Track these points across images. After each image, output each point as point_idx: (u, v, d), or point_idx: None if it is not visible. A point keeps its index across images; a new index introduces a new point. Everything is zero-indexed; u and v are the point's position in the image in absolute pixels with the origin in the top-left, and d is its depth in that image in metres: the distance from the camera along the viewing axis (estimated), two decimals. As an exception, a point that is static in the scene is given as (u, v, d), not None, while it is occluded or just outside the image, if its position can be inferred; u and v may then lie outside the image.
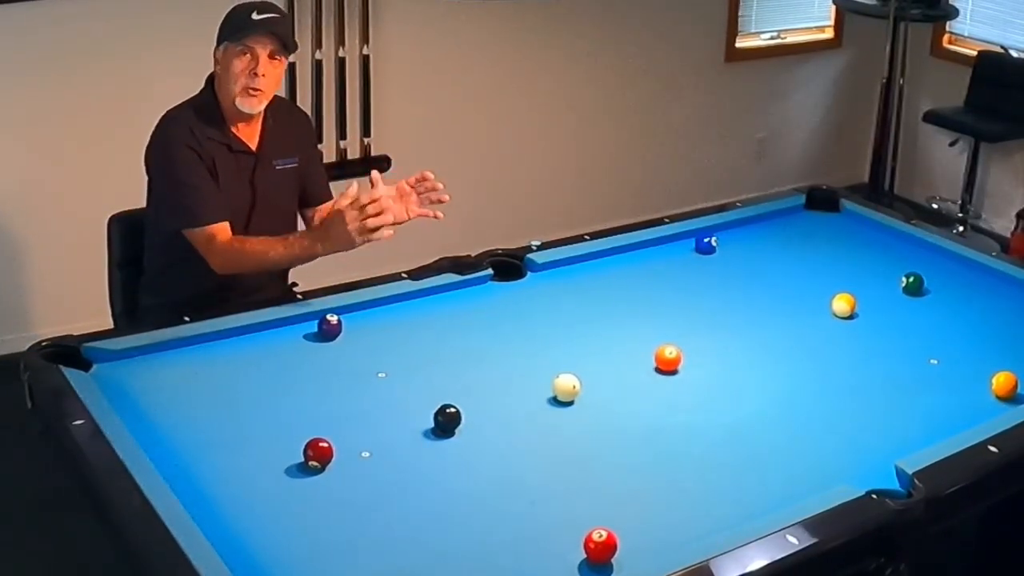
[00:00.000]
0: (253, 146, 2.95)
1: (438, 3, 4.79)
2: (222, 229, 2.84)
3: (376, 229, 2.72)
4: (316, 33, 4.57)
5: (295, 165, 3.02)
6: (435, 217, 2.90)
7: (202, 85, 2.95)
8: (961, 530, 2.89)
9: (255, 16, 2.82)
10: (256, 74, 2.83)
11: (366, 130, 4.80)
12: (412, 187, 2.90)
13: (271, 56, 2.84)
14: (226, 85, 2.86)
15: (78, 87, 4.18)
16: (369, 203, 2.70)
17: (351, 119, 4.75)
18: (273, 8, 2.89)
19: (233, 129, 2.91)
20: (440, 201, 2.91)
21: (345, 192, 2.74)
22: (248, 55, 2.82)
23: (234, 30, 2.84)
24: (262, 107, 2.89)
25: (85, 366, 2.54)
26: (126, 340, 2.64)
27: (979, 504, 2.48)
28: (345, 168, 4.74)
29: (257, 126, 2.95)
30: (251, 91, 2.84)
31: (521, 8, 4.98)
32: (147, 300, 3.06)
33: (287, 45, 2.88)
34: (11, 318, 4.26)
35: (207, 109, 2.90)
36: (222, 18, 2.89)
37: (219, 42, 2.87)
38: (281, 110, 3.02)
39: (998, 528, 2.87)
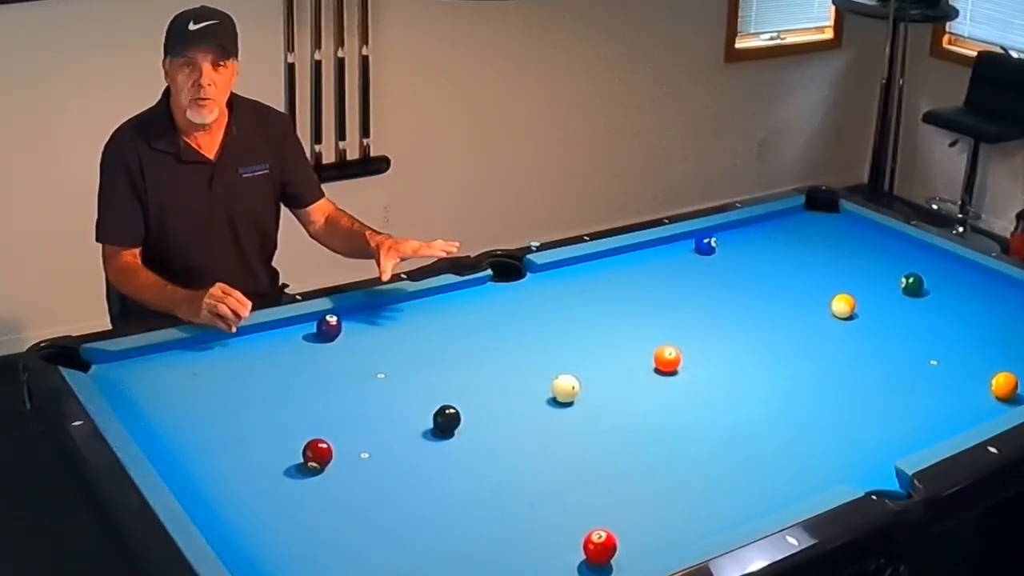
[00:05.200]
0: (211, 155, 2.90)
1: (437, 4, 4.79)
2: (119, 252, 2.87)
3: (222, 318, 2.64)
4: (315, 33, 4.57)
5: (265, 172, 2.97)
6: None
7: None
8: (961, 531, 2.89)
9: (192, 27, 2.76)
10: (201, 84, 2.78)
11: (365, 131, 4.80)
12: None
13: (215, 64, 2.78)
14: (175, 97, 2.83)
15: (77, 88, 4.17)
16: (235, 301, 2.63)
17: (350, 120, 4.75)
18: (212, 14, 2.80)
19: (188, 139, 2.88)
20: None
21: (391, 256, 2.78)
22: (190, 67, 2.77)
23: (175, 42, 2.78)
24: (214, 116, 2.83)
25: (84, 367, 2.54)
26: (125, 341, 2.64)
27: (979, 505, 2.48)
28: (345, 168, 4.75)
29: (218, 135, 2.91)
30: (199, 102, 2.79)
31: (521, 9, 4.97)
32: (133, 303, 3.04)
33: (228, 51, 2.81)
34: (10, 318, 4.26)
35: (158, 120, 2.88)
36: None
37: (165, 53, 2.82)
38: (247, 116, 2.94)
39: (998, 529, 2.87)
